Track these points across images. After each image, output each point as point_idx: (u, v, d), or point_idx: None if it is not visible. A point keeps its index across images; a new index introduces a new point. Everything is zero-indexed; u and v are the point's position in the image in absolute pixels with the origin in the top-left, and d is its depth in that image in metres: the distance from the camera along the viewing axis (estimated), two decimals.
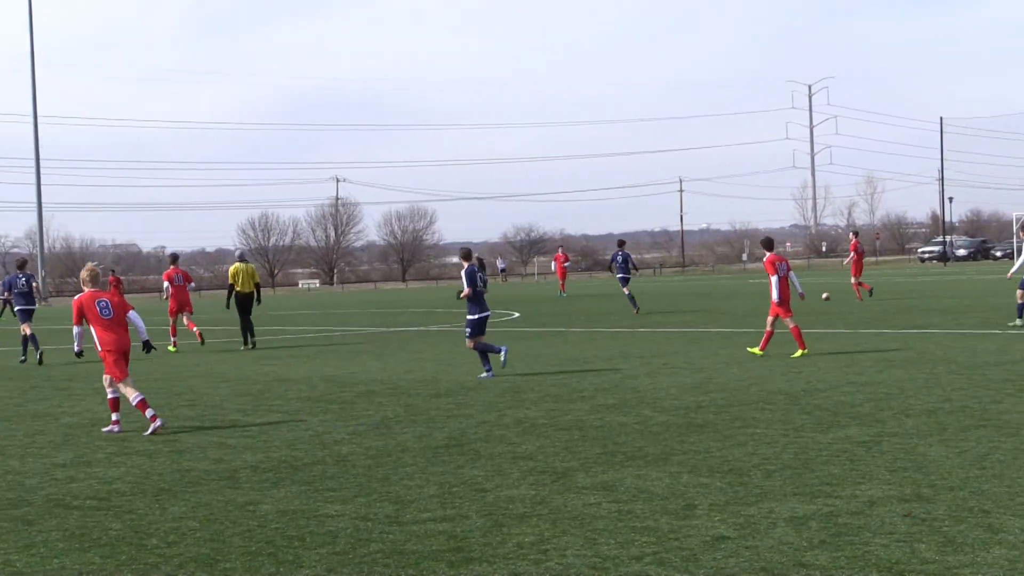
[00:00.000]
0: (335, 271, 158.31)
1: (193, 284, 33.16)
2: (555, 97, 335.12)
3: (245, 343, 30.37)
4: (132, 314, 15.80)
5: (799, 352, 22.03)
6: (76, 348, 17.66)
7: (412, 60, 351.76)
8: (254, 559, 8.35)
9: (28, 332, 29.28)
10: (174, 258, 34.78)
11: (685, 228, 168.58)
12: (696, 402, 15.96)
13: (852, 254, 43.56)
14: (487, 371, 20.41)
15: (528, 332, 32.34)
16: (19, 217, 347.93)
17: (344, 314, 50.76)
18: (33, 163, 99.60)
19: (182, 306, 32.30)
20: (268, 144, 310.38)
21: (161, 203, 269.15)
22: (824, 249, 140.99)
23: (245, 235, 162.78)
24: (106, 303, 15.55)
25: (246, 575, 7.99)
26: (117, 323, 15.44)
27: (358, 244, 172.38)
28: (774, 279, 22.70)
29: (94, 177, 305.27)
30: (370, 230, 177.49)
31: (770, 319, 22.80)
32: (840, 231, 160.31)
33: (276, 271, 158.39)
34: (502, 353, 20.53)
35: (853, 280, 42.65)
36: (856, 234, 45.89)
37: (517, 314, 42.82)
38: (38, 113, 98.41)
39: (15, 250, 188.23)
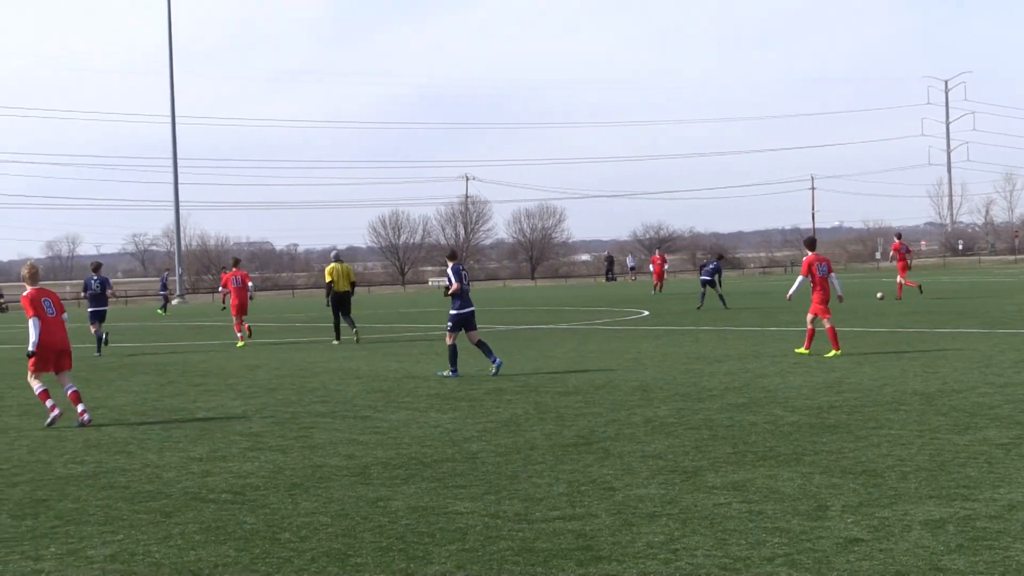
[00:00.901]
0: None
1: (252, 285, 35.09)
2: (686, 94, 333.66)
3: (337, 337, 31.81)
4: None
5: (832, 352, 22.38)
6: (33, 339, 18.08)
7: (543, 59, 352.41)
8: (385, 555, 8.41)
9: (96, 330, 31.93)
10: (236, 262, 36.33)
11: (817, 226, 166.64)
12: (828, 402, 15.75)
13: (894, 254, 45.59)
14: (452, 371, 21.23)
15: (657, 330, 32.17)
16: (157, 216, 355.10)
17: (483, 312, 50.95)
18: (171, 163, 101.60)
19: (243, 306, 33.86)
20: (399, 143, 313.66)
21: (294, 201, 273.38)
22: (960, 247, 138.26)
23: (376, 233, 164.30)
24: (50, 302, 16.63)
25: (377, 571, 8.04)
26: (57, 322, 16.52)
27: (487, 242, 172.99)
28: (800, 279, 23.69)
29: (229, 176, 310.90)
30: (499, 228, 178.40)
31: (809, 317, 23.34)
32: (977, 229, 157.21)
33: (406, 269, 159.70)
34: (495, 365, 21.24)
35: (899, 280, 44.70)
36: (899, 236, 48.44)
37: (646, 312, 42.64)
38: (176, 114, 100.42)
39: (153, 247, 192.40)
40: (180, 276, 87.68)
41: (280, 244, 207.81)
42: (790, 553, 8.09)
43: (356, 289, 32.69)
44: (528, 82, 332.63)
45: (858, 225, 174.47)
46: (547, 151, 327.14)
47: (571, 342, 28.67)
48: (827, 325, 22.91)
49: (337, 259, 33.88)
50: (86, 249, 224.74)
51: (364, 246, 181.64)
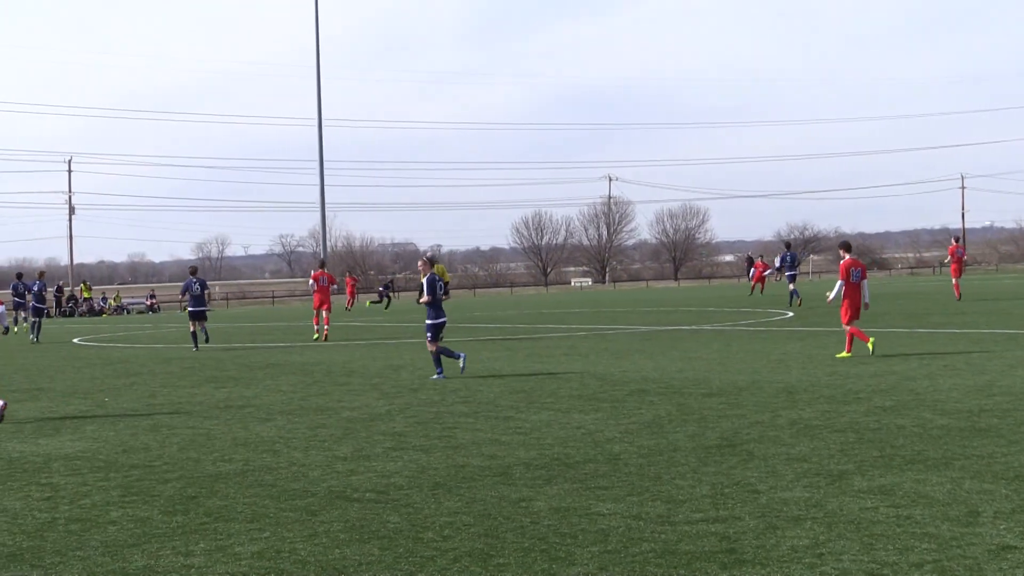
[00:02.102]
0: (607, 269, 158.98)
1: (336, 286, 38.45)
2: (830, 93, 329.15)
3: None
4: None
5: (846, 353, 23.11)
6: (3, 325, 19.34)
7: (684, 59, 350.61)
8: (527, 555, 8.41)
9: (194, 328, 34.89)
10: (322, 263, 40.00)
11: (967, 226, 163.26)
12: (979, 405, 15.39)
13: (950, 257, 48.37)
14: (439, 373, 22.05)
15: (801, 331, 31.77)
16: (304, 217, 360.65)
17: (616, 312, 50.88)
18: (317, 165, 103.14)
19: (322, 303, 36.83)
20: (542, 144, 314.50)
21: (438, 202, 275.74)
22: None
23: (519, 234, 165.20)
24: None
25: (519, 571, 8.05)
26: None
27: (630, 243, 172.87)
28: (839, 284, 23.80)
29: (374, 178, 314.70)
30: (642, 228, 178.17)
31: (846, 325, 23.76)
32: None
33: (549, 269, 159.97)
34: (461, 360, 22.08)
35: (954, 281, 47.31)
36: (956, 240, 51.61)
37: (791, 314, 42.14)
38: (322, 117, 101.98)
39: (300, 248, 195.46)
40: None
41: (424, 244, 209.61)
42: (939, 559, 7.91)
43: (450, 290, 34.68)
44: (672, 82, 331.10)
45: (1010, 225, 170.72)
46: (691, 151, 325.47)
47: (715, 343, 28.45)
48: (847, 329, 23.56)
49: (432, 259, 34.22)
50: (234, 250, 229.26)
51: (507, 247, 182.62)
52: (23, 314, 52.83)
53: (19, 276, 57.00)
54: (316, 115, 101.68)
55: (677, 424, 14.67)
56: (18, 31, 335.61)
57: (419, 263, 23.93)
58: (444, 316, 22.83)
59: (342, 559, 8.50)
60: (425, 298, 22.70)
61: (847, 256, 24.15)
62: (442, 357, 22.19)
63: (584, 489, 10.72)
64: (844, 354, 23.22)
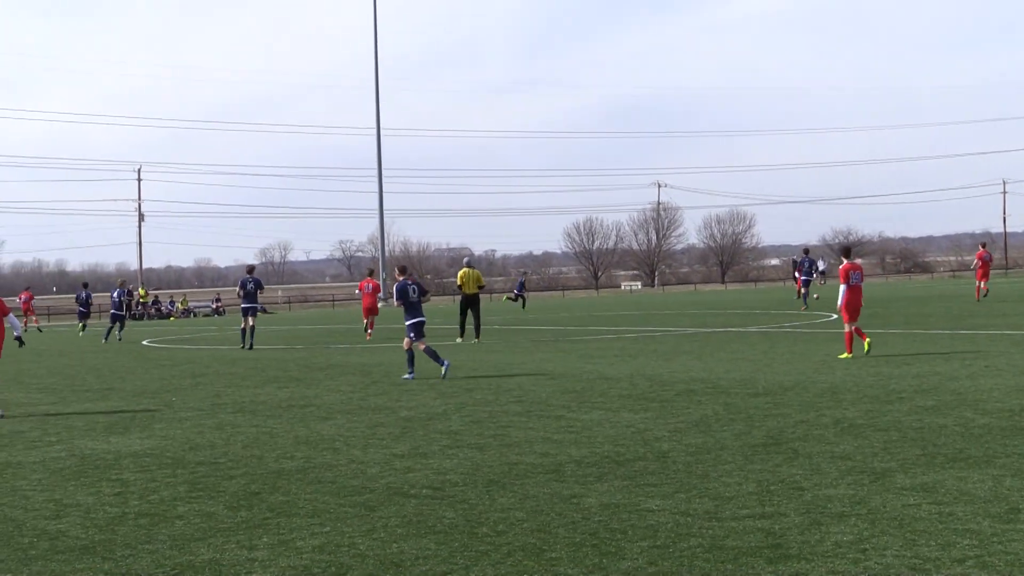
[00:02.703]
0: (656, 273, 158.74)
1: (381, 294, 40.80)
2: (874, 100, 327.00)
3: (462, 334, 34.66)
4: (11, 316, 19.57)
5: (845, 355, 23.31)
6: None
7: (731, 68, 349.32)
8: (578, 550, 8.41)
9: (250, 325, 35.91)
10: (371, 272, 42.88)
11: (1009, 230, 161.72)
12: (1020, 405, 15.23)
13: (978, 261, 49.16)
14: (409, 373, 22.81)
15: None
16: (364, 223, 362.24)
17: (665, 315, 50.74)
18: (376, 173, 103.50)
19: (372, 309, 40.26)
20: (593, 152, 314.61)
21: (492, 208, 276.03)
22: None
23: (570, 239, 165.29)
24: None
25: (571, 565, 8.05)
26: None
27: (678, 247, 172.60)
28: (843, 288, 23.96)
29: (431, 185, 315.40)
30: (690, 233, 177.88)
31: (847, 326, 23.91)
32: None
33: (600, 273, 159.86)
34: (444, 366, 22.68)
35: (979, 284, 47.90)
36: (984, 245, 51.73)
37: (834, 315, 41.87)
38: (381, 126, 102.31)
39: (359, 254, 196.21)
40: (384, 280, 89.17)
41: (479, 250, 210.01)
42: (981, 555, 7.84)
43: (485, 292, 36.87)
44: (719, 90, 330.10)
45: None
46: (738, 158, 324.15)
47: (761, 344, 28.32)
48: (847, 329, 23.78)
49: (468, 264, 36.27)
50: (296, 255, 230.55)
51: (559, 251, 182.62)
52: (83, 322, 54.90)
53: (85, 285, 58.28)
54: (375, 125, 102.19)
55: (724, 423, 14.62)
56: (92, 46, 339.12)
57: (395, 270, 24.69)
58: (421, 316, 23.50)
59: (399, 553, 8.53)
60: (396, 304, 23.70)
61: (846, 260, 24.58)
62: (419, 359, 22.83)
63: (634, 486, 10.70)
64: (845, 355, 23.40)
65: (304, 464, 12.74)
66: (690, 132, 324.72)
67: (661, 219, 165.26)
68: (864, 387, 17.94)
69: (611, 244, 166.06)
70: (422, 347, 23.17)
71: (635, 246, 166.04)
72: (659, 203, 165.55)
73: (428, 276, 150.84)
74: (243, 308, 36.52)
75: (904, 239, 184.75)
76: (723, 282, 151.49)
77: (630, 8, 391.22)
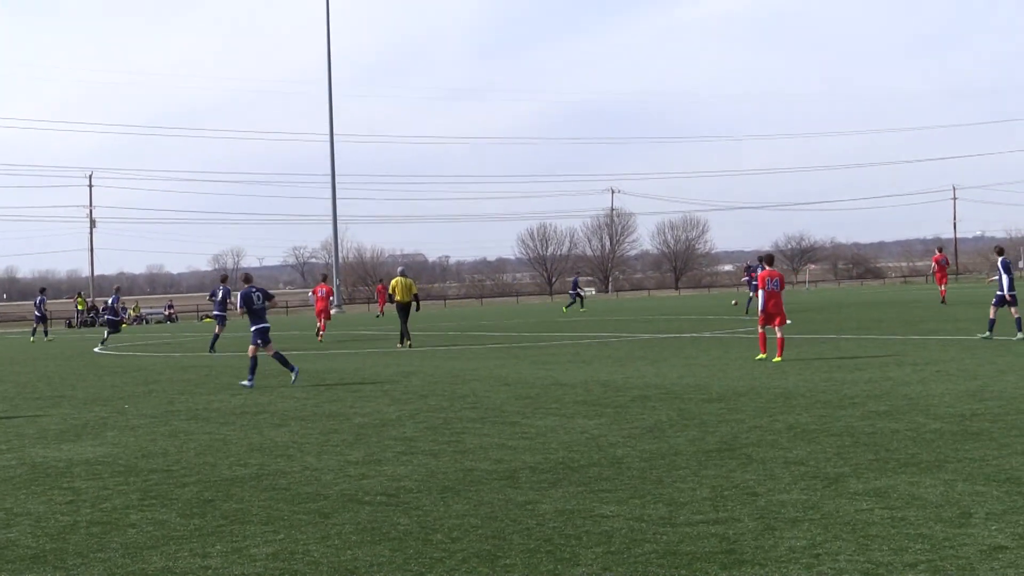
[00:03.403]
0: (610, 279, 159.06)
1: (334, 298, 44.68)
2: (826, 106, 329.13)
3: (401, 342, 35.66)
4: None
5: (760, 355, 24.67)
6: None
7: (683, 75, 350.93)
8: (533, 556, 8.40)
9: (217, 332, 37.37)
10: (324, 277, 45.37)
11: (959, 235, 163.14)
12: (971, 410, 15.37)
13: (934, 265, 50.71)
14: (249, 380, 23.25)
15: (798, 339, 31.77)
16: (317, 229, 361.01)
17: (618, 321, 50.86)
18: (329, 179, 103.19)
19: (324, 312, 42.66)
20: (546, 157, 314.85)
21: (445, 215, 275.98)
22: None
23: (524, 245, 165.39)
24: None
25: (525, 571, 8.04)
26: None
27: (632, 253, 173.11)
28: (762, 292, 25.35)
29: (384, 191, 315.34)
30: (644, 239, 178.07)
31: (760, 328, 25.29)
32: None
33: (554, 279, 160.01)
34: (294, 373, 23.66)
35: (940, 288, 49.54)
36: (940, 249, 53.37)
37: (789, 321, 42.10)
38: (334, 132, 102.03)
39: (312, 260, 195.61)
40: (337, 287, 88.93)
41: (432, 256, 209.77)
42: (933, 560, 7.89)
43: (419, 301, 37.85)
44: (671, 97, 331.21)
45: (1000, 234, 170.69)
46: (691, 164, 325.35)
47: (714, 350, 28.44)
48: (760, 331, 25.21)
49: (402, 274, 37.64)
50: (249, 262, 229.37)
51: (513, 257, 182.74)
52: (40, 327, 56.33)
53: (42, 291, 58.44)
54: (328, 131, 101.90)
55: (678, 429, 14.66)
56: (41, 50, 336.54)
57: (240, 278, 25.22)
58: (264, 323, 24.14)
59: (354, 560, 8.50)
60: (240, 310, 24.55)
61: (766, 267, 25.99)
62: (263, 365, 23.09)
63: (588, 492, 10.71)
64: (761, 356, 24.71)
65: (258, 471, 12.67)
66: (644, 138, 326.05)
67: (615, 225, 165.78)
68: (817, 392, 18.05)
69: (565, 250, 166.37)
70: (270, 352, 23.96)
71: (589, 252, 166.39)
72: (612, 209, 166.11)
73: (382, 281, 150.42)
74: (216, 315, 38.80)
75: (856, 245, 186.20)
76: (677, 288, 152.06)
77: (584, 13, 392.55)
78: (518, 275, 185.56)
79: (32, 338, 57.03)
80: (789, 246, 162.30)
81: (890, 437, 13.25)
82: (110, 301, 49.76)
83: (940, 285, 50.11)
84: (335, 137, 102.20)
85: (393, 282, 37.05)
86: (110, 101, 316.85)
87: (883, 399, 16.86)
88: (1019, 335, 28.03)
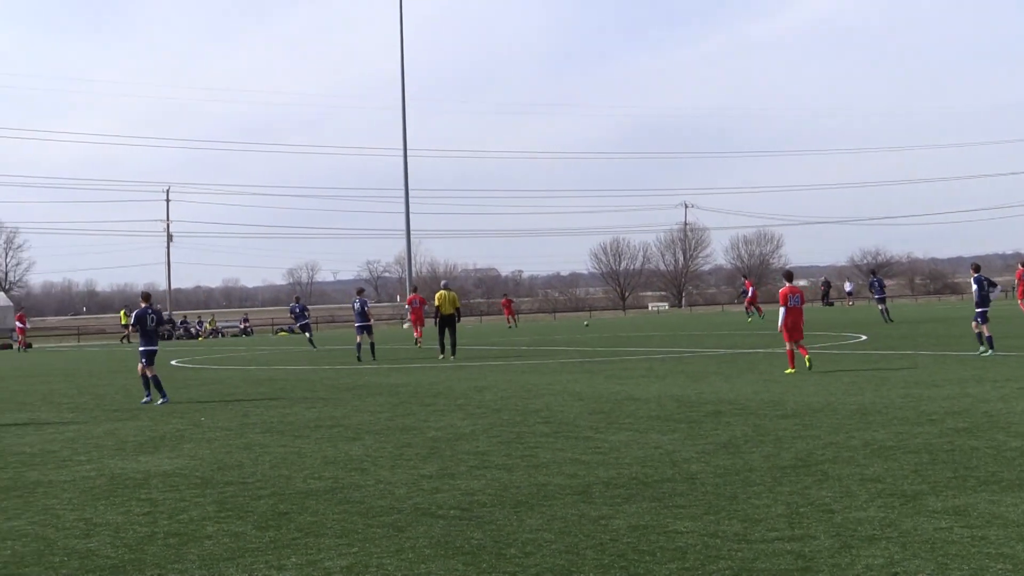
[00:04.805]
0: (683, 294, 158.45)
1: (427, 307, 45.19)
2: (902, 120, 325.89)
3: (442, 352, 37.91)
4: None
5: (791, 369, 25.74)
6: None
7: (759, 88, 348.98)
8: (607, 571, 8.37)
9: (359, 341, 39.99)
10: (415, 288, 51.33)
11: None
12: None
13: (1016, 280, 48.20)
14: (163, 398, 24.35)
15: (875, 355, 31.44)
16: (391, 243, 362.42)
17: (692, 336, 50.62)
18: (403, 193, 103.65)
19: (420, 320, 45.32)
20: (620, 172, 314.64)
21: (519, 229, 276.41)
22: None
23: (597, 260, 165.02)
24: None
25: None
26: None
27: (706, 268, 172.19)
28: (782, 309, 26.56)
29: (458, 205, 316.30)
30: (717, 254, 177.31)
31: (788, 344, 26.22)
32: None
33: (626, 294, 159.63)
34: (162, 400, 24.37)
35: (1021, 303, 47.23)
36: (1023, 264, 51.30)
37: (864, 336, 41.72)
38: (408, 147, 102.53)
39: (386, 274, 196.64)
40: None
41: (505, 270, 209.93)
42: None
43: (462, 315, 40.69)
44: (746, 110, 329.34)
45: None
46: (765, 178, 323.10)
47: (789, 365, 28.20)
48: (787, 348, 26.11)
49: (446, 287, 39.49)
50: (324, 276, 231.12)
51: (586, 272, 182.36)
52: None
53: (146, 298, 62.20)
54: (402, 146, 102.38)
55: (753, 444, 14.56)
56: (119, 66, 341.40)
57: (140, 297, 26.17)
58: (155, 344, 25.06)
59: (427, 574, 8.51)
60: (131, 328, 25.45)
61: (787, 284, 27.02)
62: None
63: (662, 507, 10.66)
64: (790, 370, 25.74)
65: (332, 484, 12.74)
66: (717, 152, 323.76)
67: (688, 240, 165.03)
68: (894, 409, 17.85)
69: (638, 265, 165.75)
70: (150, 374, 24.75)
71: (662, 267, 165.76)
72: (686, 224, 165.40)
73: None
74: (357, 327, 40.83)
75: (933, 260, 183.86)
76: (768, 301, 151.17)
77: (656, 28, 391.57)
78: (591, 289, 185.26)
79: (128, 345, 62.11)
80: (864, 260, 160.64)
81: (970, 455, 13.06)
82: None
83: (1021, 300, 49.48)
84: (409, 152, 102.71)
85: (438, 295, 38.75)
86: (187, 117, 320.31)
87: (962, 416, 16.64)
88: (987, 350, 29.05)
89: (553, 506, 10.96)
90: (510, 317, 79.97)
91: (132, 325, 25.17)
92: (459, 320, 39.62)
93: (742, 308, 67.82)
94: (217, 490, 12.67)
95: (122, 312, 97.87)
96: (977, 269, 31.05)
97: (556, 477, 12.62)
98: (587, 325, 64.07)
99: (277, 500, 11.87)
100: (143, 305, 25.26)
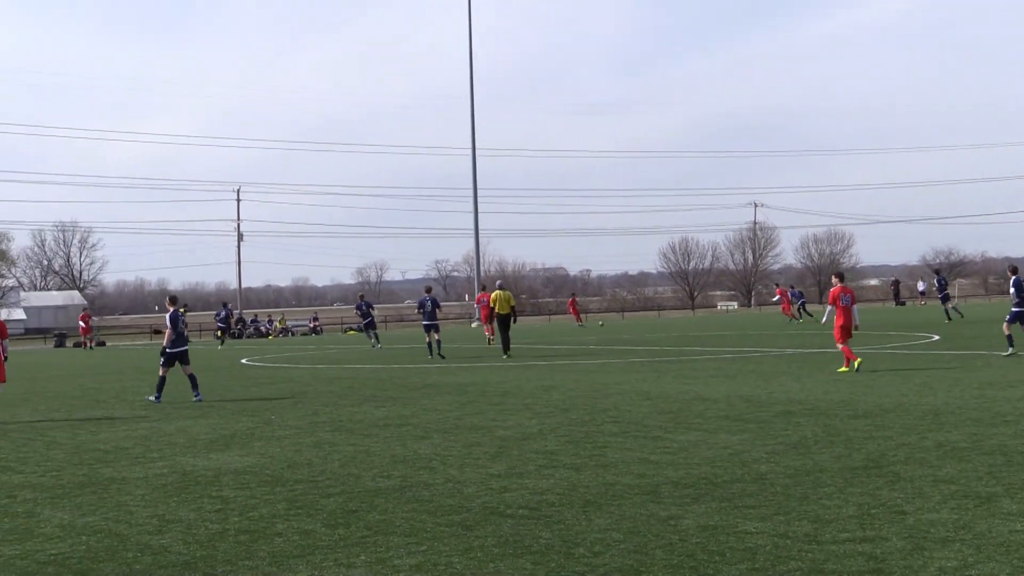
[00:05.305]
0: (752, 293, 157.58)
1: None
2: (975, 118, 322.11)
3: (506, 351, 38.50)
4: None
5: (844, 368, 26.04)
6: None
7: (828, 86, 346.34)
8: (676, 571, 8.34)
9: (432, 338, 39.81)
10: (483, 287, 50.34)
11: None
12: None
13: None
14: (156, 397, 25.05)
15: (947, 355, 31.10)
16: (459, 243, 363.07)
17: (761, 335, 50.33)
18: (471, 193, 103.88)
19: (490, 317, 43.53)
20: (689, 171, 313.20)
21: (587, 228, 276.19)
22: None
23: (666, 259, 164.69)
24: None
25: None
26: None
27: (775, 267, 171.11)
28: (830, 308, 27.30)
29: (526, 204, 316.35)
30: (787, 253, 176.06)
31: (840, 344, 26.64)
32: None
33: (695, 293, 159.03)
34: (196, 399, 24.95)
35: None
36: None
37: (937, 336, 41.28)
38: (476, 146, 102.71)
39: (455, 273, 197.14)
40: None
41: (574, 270, 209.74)
42: None
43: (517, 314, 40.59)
44: (815, 108, 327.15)
45: None
46: (836, 177, 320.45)
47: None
48: (842, 346, 26.43)
49: (500, 287, 40.79)
50: (392, 275, 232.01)
51: (655, 271, 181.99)
52: (222, 338, 66.85)
53: (225, 304, 66.84)
54: (470, 145, 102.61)
55: (823, 445, 14.45)
56: (191, 66, 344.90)
57: (166, 301, 26.87)
58: (184, 345, 25.74)
59: (496, 573, 8.52)
60: (167, 333, 25.75)
61: (838, 284, 27.27)
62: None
63: (731, 508, 10.61)
64: (843, 369, 26.10)
65: (401, 483, 12.79)
66: (787, 151, 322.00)
67: (757, 239, 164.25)
68: (967, 410, 17.64)
69: (707, 264, 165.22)
70: (162, 373, 25.60)
71: (731, 266, 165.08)
72: (755, 223, 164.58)
73: (523, 296, 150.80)
74: (424, 325, 40.93)
75: (1008, 259, 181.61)
76: (821, 302, 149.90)
77: (725, 26, 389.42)
78: (659, 289, 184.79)
79: (220, 346, 65.14)
80: (937, 260, 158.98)
81: None
82: (222, 314, 65.49)
83: None
84: (477, 151, 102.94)
85: (493, 296, 40.09)
86: (257, 116, 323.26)
87: None
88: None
89: (622, 506, 10.94)
90: (577, 316, 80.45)
91: (169, 328, 25.59)
92: (515, 320, 40.14)
93: (795, 309, 68.44)
94: (287, 488, 12.76)
95: (182, 309, 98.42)
96: (1015, 271, 30.79)
97: (624, 477, 12.60)
98: (602, 325, 69.97)
99: (346, 498, 11.93)
100: (172, 308, 25.81)
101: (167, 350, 25.51)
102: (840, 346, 26.61)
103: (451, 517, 10.71)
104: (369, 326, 55.24)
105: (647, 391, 23.08)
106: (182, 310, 26.19)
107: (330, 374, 33.77)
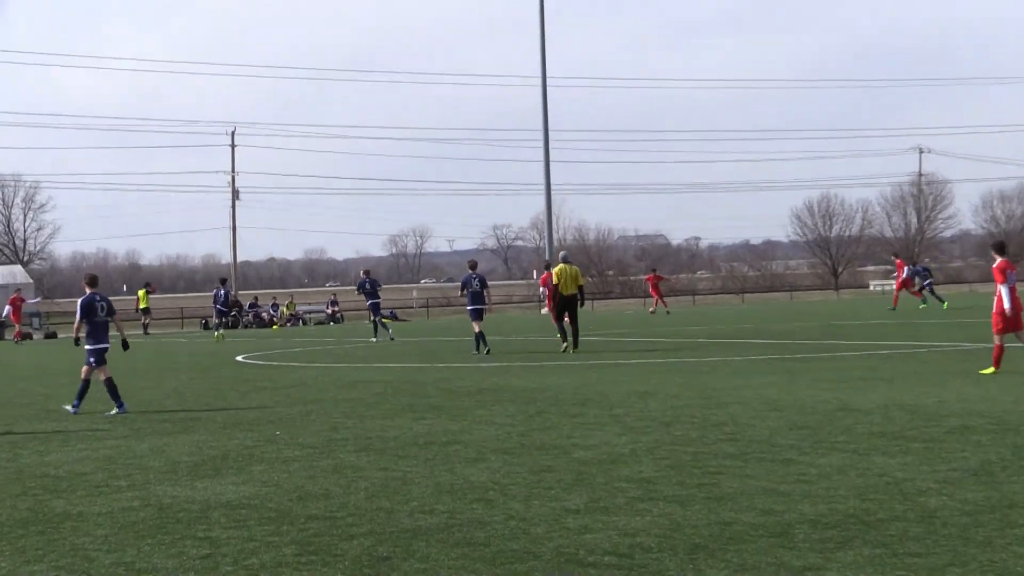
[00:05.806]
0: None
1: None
2: None
3: (564, 340, 39.86)
4: None
5: (990, 370, 26.38)
6: None
7: None
8: None
9: (477, 330, 40.90)
10: (547, 266, 49.14)
11: None
12: None
13: None
14: (119, 407, 25.22)
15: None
16: (525, 202, 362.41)
17: (929, 324, 50.06)
18: (541, 136, 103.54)
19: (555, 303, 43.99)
20: (828, 107, 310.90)
21: (694, 183, 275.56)
22: None
23: (801, 223, 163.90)
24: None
25: None
26: None
27: (947, 234, 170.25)
28: (1004, 288, 26.45)
29: (612, 152, 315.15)
30: (964, 215, 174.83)
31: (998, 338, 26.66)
32: None
33: (840, 269, 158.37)
34: (121, 409, 25.15)
35: None
36: None
37: None
38: (547, 75, 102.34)
39: (518, 242, 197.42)
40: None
41: (677, 238, 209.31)
42: None
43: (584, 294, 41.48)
44: (1004, 21, 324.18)
45: None
46: None
47: None
48: (997, 341, 26.81)
49: (565, 260, 41.47)
50: (436, 244, 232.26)
51: (785, 239, 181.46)
52: (219, 324, 67.29)
53: (223, 282, 68.65)
54: (540, 73, 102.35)
55: (1013, 472, 14.35)
56: None
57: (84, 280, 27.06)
58: (106, 342, 25.98)
59: None
60: (76, 324, 26.20)
61: (1000, 258, 27.03)
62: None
63: (891, 556, 10.55)
64: (990, 370, 26.53)
65: (447, 521, 12.82)
66: (962, 78, 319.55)
67: (923, 196, 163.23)
68: None
69: (855, 230, 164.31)
70: (102, 377, 25.46)
71: (888, 232, 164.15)
72: (920, 175, 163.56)
73: (610, 273, 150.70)
74: (470, 310, 42.59)
75: None
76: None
77: None
78: (792, 263, 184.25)
79: (216, 334, 65.50)
80: None
81: None
82: (220, 294, 66.37)
83: None
84: (548, 81, 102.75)
85: (557, 270, 40.61)
86: (257, 39, 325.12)
87: None
88: None
89: (742, 552, 10.91)
90: (659, 298, 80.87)
91: (79, 317, 25.82)
92: (582, 303, 40.89)
93: (931, 294, 68.94)
94: (297, 527, 12.81)
95: (141, 292, 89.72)
96: None
97: (745, 513, 12.56)
98: (669, 313, 73.28)
99: (375, 540, 11.97)
100: (89, 291, 26.07)
101: (89, 347, 25.85)
102: (997, 340, 26.81)
103: (514, 566, 10.72)
104: (374, 310, 55.21)
105: (775, 399, 23.02)
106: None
107: (353, 376, 33.91)
